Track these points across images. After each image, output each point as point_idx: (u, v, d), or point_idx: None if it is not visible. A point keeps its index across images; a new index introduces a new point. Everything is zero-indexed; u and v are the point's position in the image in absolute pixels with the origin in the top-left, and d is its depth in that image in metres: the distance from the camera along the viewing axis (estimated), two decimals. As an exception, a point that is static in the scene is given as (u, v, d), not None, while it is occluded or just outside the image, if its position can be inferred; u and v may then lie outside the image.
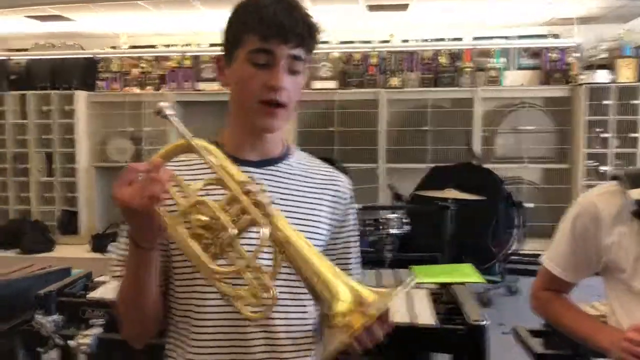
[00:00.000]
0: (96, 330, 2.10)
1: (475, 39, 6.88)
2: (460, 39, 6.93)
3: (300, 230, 1.16)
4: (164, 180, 0.98)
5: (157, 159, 1.01)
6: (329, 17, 6.52)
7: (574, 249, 1.48)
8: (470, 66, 6.74)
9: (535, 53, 6.93)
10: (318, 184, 1.26)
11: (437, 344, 1.82)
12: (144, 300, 1.12)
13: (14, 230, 6.98)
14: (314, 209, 1.23)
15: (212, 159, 1.02)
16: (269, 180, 1.19)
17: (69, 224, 7.11)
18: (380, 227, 4.51)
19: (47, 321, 2.13)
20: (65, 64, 7.30)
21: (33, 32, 7.22)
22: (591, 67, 6.34)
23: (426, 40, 6.99)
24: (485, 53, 6.86)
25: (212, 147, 1.04)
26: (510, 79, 6.84)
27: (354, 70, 7.01)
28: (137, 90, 7.34)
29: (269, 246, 0.99)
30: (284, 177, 1.22)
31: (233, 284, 1.01)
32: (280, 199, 1.18)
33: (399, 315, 1.90)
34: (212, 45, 6.91)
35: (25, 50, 7.49)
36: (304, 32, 1.13)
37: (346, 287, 0.96)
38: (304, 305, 1.18)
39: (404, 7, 6.13)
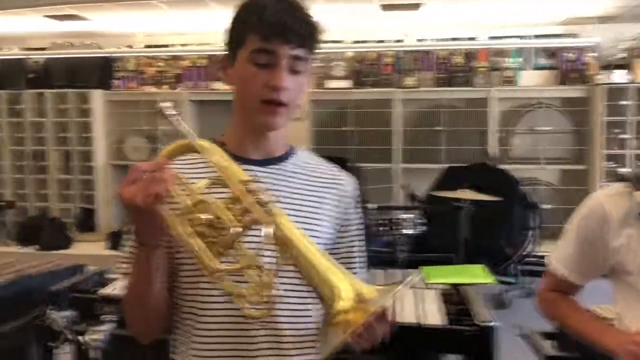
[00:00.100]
0: (107, 327, 2.12)
1: (491, 38, 6.83)
2: (475, 39, 6.88)
3: (303, 229, 1.17)
4: (167, 179, 0.98)
5: (161, 159, 1.03)
6: (343, 16, 6.52)
7: (581, 251, 1.46)
8: (485, 66, 6.70)
9: (552, 53, 6.86)
10: (321, 183, 1.26)
11: (445, 345, 1.81)
12: (149, 298, 1.13)
13: (33, 227, 7.08)
14: (317, 208, 1.22)
15: (214, 158, 1.04)
16: (272, 178, 1.20)
17: (86, 222, 7.19)
18: (394, 227, 4.50)
19: (59, 317, 2.16)
20: (82, 63, 7.37)
21: (51, 32, 7.30)
22: (609, 67, 6.27)
23: (441, 40, 6.95)
24: (501, 53, 6.81)
25: (214, 147, 1.06)
26: (526, 79, 6.78)
27: (370, 69, 6.99)
28: (153, 89, 7.40)
29: (272, 245, 1.00)
30: (287, 176, 1.22)
31: (235, 282, 1.02)
32: (283, 197, 1.18)
33: (408, 315, 1.90)
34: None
35: (44, 49, 7.57)
36: (306, 32, 1.13)
37: (347, 285, 0.96)
38: (308, 303, 1.18)
39: (418, 6, 6.10)
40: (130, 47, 7.48)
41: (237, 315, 1.10)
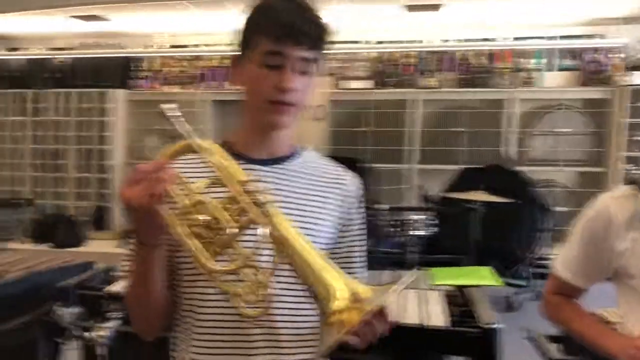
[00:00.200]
0: (113, 323, 2.13)
1: (514, 39, 6.76)
2: (499, 39, 6.82)
3: (306, 228, 1.17)
4: (167, 180, 1.00)
5: (161, 159, 1.04)
6: (365, 16, 6.51)
7: (585, 254, 1.44)
8: (507, 67, 6.63)
9: (576, 54, 6.76)
10: (325, 182, 1.26)
11: (449, 346, 1.79)
12: (149, 296, 1.14)
13: (49, 224, 7.17)
14: (320, 208, 1.23)
15: (214, 158, 1.04)
16: (277, 178, 1.21)
17: (101, 220, 7.27)
18: (405, 228, 4.47)
19: (65, 313, 2.18)
20: (105, 63, 7.47)
21: (76, 32, 7.40)
22: (634, 68, 6.16)
23: (464, 41, 6.90)
24: (523, 54, 6.74)
25: (214, 147, 1.07)
26: (549, 80, 6.70)
27: (392, 70, 6.96)
28: (174, 89, 7.45)
29: (268, 245, 1.00)
30: (292, 176, 1.23)
31: (232, 282, 1.02)
32: (287, 197, 1.19)
33: (412, 316, 1.88)
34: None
35: (68, 49, 7.67)
36: (315, 34, 1.13)
37: (343, 285, 0.96)
38: (304, 302, 1.18)
39: (440, 6, 6.07)
40: (153, 47, 7.54)
41: (234, 314, 1.11)
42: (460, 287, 2.12)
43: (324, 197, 1.24)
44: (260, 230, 0.98)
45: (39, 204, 7.54)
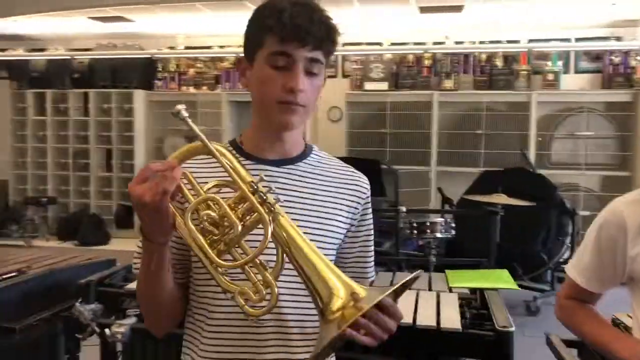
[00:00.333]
0: (130, 321, 2.16)
1: (532, 41, 6.70)
2: (517, 41, 6.76)
3: (316, 228, 1.19)
4: (175, 179, 1.01)
5: (172, 160, 1.05)
6: (381, 18, 6.50)
7: (599, 259, 1.43)
8: (526, 69, 6.58)
9: (597, 56, 6.69)
10: (336, 183, 1.27)
11: (463, 349, 1.79)
12: (158, 293, 1.16)
13: (73, 223, 7.30)
14: (332, 208, 1.23)
15: (223, 160, 1.05)
16: (287, 179, 1.21)
17: (124, 218, 7.36)
18: (425, 230, 4.46)
19: (85, 309, 2.21)
20: (125, 63, 7.57)
21: (95, 33, 7.52)
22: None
23: (482, 42, 6.86)
24: (543, 56, 6.68)
25: (224, 150, 1.08)
26: (568, 83, 6.63)
27: (407, 71, 6.96)
28: (192, 89, 7.53)
29: (272, 244, 1.02)
30: (302, 176, 1.23)
31: (237, 281, 1.04)
32: (297, 197, 1.20)
33: (428, 318, 1.88)
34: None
35: (89, 50, 7.79)
36: (323, 35, 1.13)
37: (342, 284, 0.98)
38: None
39: (458, 8, 6.04)
40: (172, 48, 7.63)
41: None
42: (477, 290, 2.11)
43: (334, 196, 1.24)
44: (265, 230, 0.99)
45: (62, 203, 7.67)
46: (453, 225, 4.61)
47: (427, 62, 6.96)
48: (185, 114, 1.05)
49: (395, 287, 0.97)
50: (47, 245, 6.87)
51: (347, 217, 1.25)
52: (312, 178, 1.24)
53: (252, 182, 1.02)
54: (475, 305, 2.01)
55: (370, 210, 1.32)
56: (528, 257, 4.96)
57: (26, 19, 6.75)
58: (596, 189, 6.41)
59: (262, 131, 1.22)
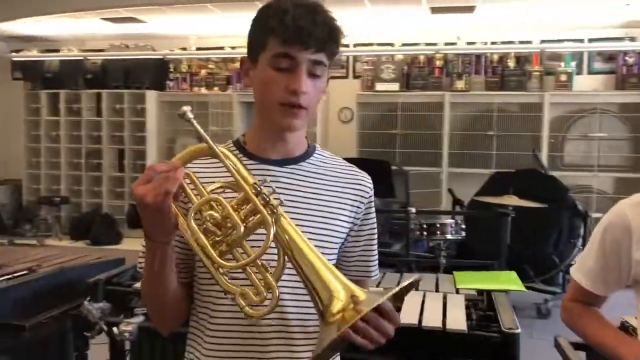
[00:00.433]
0: (138, 319, 2.17)
1: (545, 41, 6.66)
2: (529, 42, 6.72)
3: (320, 228, 1.20)
4: (179, 180, 1.01)
5: (176, 161, 1.06)
6: (392, 19, 6.49)
7: (604, 262, 1.42)
8: (539, 70, 6.54)
9: (610, 57, 6.63)
10: (339, 182, 1.27)
11: (467, 350, 1.78)
12: (161, 292, 1.16)
13: (86, 222, 7.35)
14: (335, 207, 1.24)
15: (227, 161, 1.06)
16: (290, 178, 1.22)
17: (136, 219, 7.34)
18: (435, 232, 4.45)
19: (94, 308, 2.23)
20: (137, 64, 7.62)
21: (108, 34, 7.57)
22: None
23: (494, 43, 6.83)
24: (556, 56, 6.63)
25: (228, 152, 1.08)
26: (582, 84, 6.58)
27: (419, 72, 6.95)
28: (204, 90, 7.56)
29: (274, 246, 1.02)
30: (305, 176, 1.24)
31: (238, 282, 1.04)
32: (301, 197, 1.20)
33: (434, 319, 1.88)
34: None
35: (101, 50, 7.85)
36: (325, 37, 1.13)
37: (342, 287, 0.98)
38: None
39: (470, 9, 6.02)
40: (184, 49, 7.66)
41: None
42: (484, 292, 2.10)
43: (337, 196, 1.24)
44: (267, 232, 0.99)
45: (75, 202, 7.73)
46: (463, 226, 4.60)
47: (438, 63, 6.93)
48: (190, 115, 1.06)
49: (394, 291, 0.97)
50: (60, 245, 6.93)
51: (350, 217, 1.25)
52: (315, 178, 1.24)
53: (256, 183, 1.02)
54: (481, 306, 2.01)
55: (373, 210, 1.32)
56: (539, 259, 4.93)
57: (39, 20, 6.81)
58: (609, 191, 6.36)
59: (264, 132, 1.23)
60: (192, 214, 1.04)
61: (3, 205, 7.93)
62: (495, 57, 6.79)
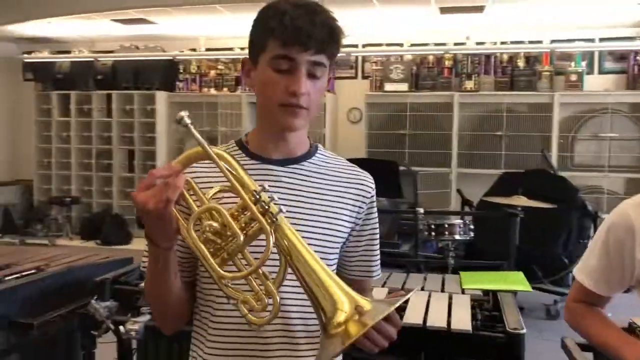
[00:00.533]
0: (145, 318, 2.18)
1: (555, 41, 6.62)
2: (539, 42, 6.68)
3: (322, 227, 1.20)
4: (179, 186, 1.02)
5: (176, 165, 1.05)
6: (401, 19, 6.48)
7: (607, 262, 1.41)
8: (549, 70, 6.50)
9: (621, 56, 6.59)
10: (341, 182, 1.27)
11: (472, 351, 1.77)
12: (164, 293, 1.17)
13: (96, 222, 7.40)
14: (337, 207, 1.24)
15: (226, 166, 1.06)
16: (292, 178, 1.22)
17: (146, 219, 7.42)
18: (443, 232, 4.44)
19: (100, 307, 2.24)
20: (147, 65, 7.66)
21: (118, 35, 7.62)
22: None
23: (503, 43, 6.80)
24: (566, 56, 6.59)
25: (227, 155, 1.07)
26: (592, 84, 6.54)
27: (428, 72, 6.93)
28: (213, 91, 7.59)
29: (275, 254, 1.03)
30: (307, 176, 1.24)
31: (239, 289, 1.05)
32: (303, 196, 1.20)
33: (439, 320, 1.87)
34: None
35: (111, 52, 7.90)
36: (325, 38, 1.13)
37: (346, 297, 0.98)
38: None
39: (479, 8, 5.99)
40: (194, 50, 7.69)
41: None
42: (490, 292, 2.09)
43: (339, 196, 1.24)
44: (267, 240, 0.99)
45: (85, 203, 7.78)
46: (472, 227, 4.58)
47: (447, 63, 6.92)
48: (188, 120, 1.05)
49: (399, 302, 0.97)
50: (71, 245, 6.98)
51: (351, 217, 1.25)
52: (316, 178, 1.24)
53: (255, 190, 1.02)
54: (487, 307, 1.99)
55: (375, 210, 1.31)
56: (548, 260, 4.90)
57: (50, 22, 6.86)
58: (620, 192, 6.31)
59: (266, 132, 1.23)
60: (192, 224, 1.04)
61: (14, 205, 8.00)
62: (505, 57, 6.77)
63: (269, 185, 1.06)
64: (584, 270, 1.48)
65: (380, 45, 7.15)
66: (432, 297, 2.09)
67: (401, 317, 1.83)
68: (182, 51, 7.72)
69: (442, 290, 2.24)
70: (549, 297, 4.77)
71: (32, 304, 2.36)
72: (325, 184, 1.24)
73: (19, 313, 2.29)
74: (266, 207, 1.01)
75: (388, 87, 6.90)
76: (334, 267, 1.26)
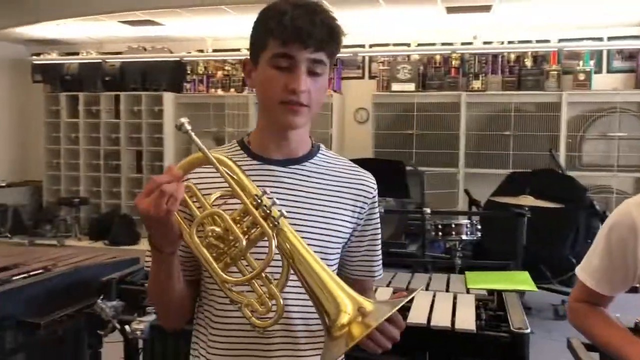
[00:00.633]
0: (150, 318, 2.19)
1: (563, 40, 6.59)
2: (547, 41, 6.65)
3: (323, 228, 1.20)
4: (179, 197, 1.02)
5: (177, 171, 1.06)
6: (408, 19, 6.47)
7: (609, 261, 1.40)
8: (557, 69, 6.47)
9: (630, 55, 6.55)
10: (343, 182, 1.27)
11: (476, 350, 1.77)
12: (166, 297, 1.19)
13: (105, 223, 7.44)
14: (338, 208, 1.24)
15: (227, 171, 1.06)
16: (293, 179, 1.22)
17: (154, 220, 7.44)
18: (450, 232, 4.43)
19: (107, 306, 2.25)
20: (154, 66, 7.69)
21: (125, 36, 7.65)
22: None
23: (511, 42, 6.77)
24: (574, 55, 6.56)
25: (228, 161, 1.08)
26: (601, 83, 6.50)
27: (435, 72, 6.92)
28: (220, 92, 7.61)
29: (278, 258, 1.04)
30: (308, 176, 1.24)
31: (243, 293, 1.06)
32: (304, 197, 1.21)
33: (443, 319, 1.87)
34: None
35: (119, 53, 7.94)
36: (324, 36, 1.14)
37: (349, 299, 0.99)
38: None
39: (486, 8, 5.98)
40: (201, 51, 7.72)
41: None
42: (495, 292, 2.08)
43: (340, 196, 1.25)
44: (270, 244, 1.00)
45: (94, 203, 7.82)
46: (479, 227, 4.57)
47: (454, 63, 6.90)
48: (188, 127, 1.06)
49: (401, 304, 0.98)
50: (79, 245, 7.01)
51: (353, 217, 1.26)
52: (317, 178, 1.24)
53: (256, 195, 1.03)
54: (491, 306, 1.99)
55: (377, 210, 1.32)
56: (556, 260, 4.88)
57: (59, 24, 6.90)
58: (629, 191, 6.27)
59: (267, 131, 1.23)
60: (195, 229, 1.05)
61: (24, 206, 8.05)
62: (512, 56, 6.74)
63: (270, 186, 1.07)
64: (587, 270, 1.47)
65: (387, 45, 7.14)
66: (436, 296, 2.09)
67: (405, 317, 1.83)
68: (190, 52, 7.74)
69: (447, 290, 2.23)
70: (556, 297, 4.74)
71: (39, 303, 2.38)
72: (326, 185, 1.25)
73: (26, 313, 2.31)
74: (268, 211, 1.02)
75: (395, 87, 6.89)
76: (335, 267, 1.26)
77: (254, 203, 1.02)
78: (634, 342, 1.36)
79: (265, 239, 1.01)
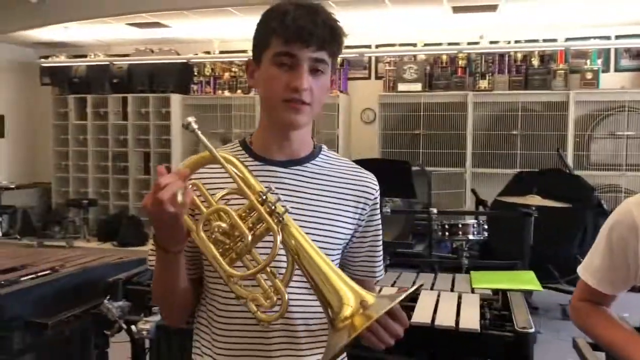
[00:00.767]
0: (156, 318, 2.21)
1: (570, 39, 6.56)
2: (554, 40, 6.63)
3: (324, 229, 1.21)
4: (186, 190, 1.04)
5: (184, 170, 1.08)
6: (414, 19, 6.47)
7: (610, 260, 1.40)
8: (564, 68, 6.45)
9: (638, 54, 6.52)
10: (344, 183, 1.28)
11: (481, 350, 1.77)
12: (171, 295, 1.20)
13: (113, 224, 7.47)
14: (339, 208, 1.25)
15: (233, 170, 1.08)
16: (295, 180, 1.23)
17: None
18: (457, 232, 4.43)
19: (113, 306, 2.27)
20: (162, 68, 7.72)
21: (133, 39, 7.69)
22: None
23: (517, 42, 6.75)
24: (582, 54, 6.53)
25: (234, 159, 1.10)
26: (608, 82, 6.47)
27: (441, 72, 6.91)
28: (227, 93, 7.63)
29: (282, 253, 1.06)
30: (309, 177, 1.25)
31: (248, 288, 1.08)
32: (305, 198, 1.22)
33: (447, 319, 1.87)
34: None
35: (126, 55, 7.97)
36: (326, 36, 1.15)
37: (351, 292, 1.01)
38: None
39: (493, 7, 5.96)
40: (208, 53, 7.74)
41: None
42: (500, 291, 2.08)
43: (341, 197, 1.25)
44: (274, 239, 1.02)
45: (102, 205, 7.87)
46: (486, 227, 4.56)
47: (461, 63, 6.89)
48: (195, 125, 1.08)
49: (401, 297, 0.99)
50: (88, 246, 7.04)
51: (354, 218, 1.26)
52: (319, 179, 1.25)
53: (261, 192, 1.05)
54: (496, 306, 1.99)
55: (378, 211, 1.32)
56: (564, 259, 4.86)
57: (67, 26, 6.95)
58: (638, 190, 6.21)
59: (270, 131, 1.24)
60: (201, 225, 1.06)
61: (32, 208, 8.11)
62: (519, 55, 6.72)
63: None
64: (588, 269, 1.47)
65: (393, 45, 7.13)
66: (441, 296, 2.09)
67: (409, 317, 1.83)
68: (197, 54, 7.76)
69: (452, 290, 2.23)
70: (564, 297, 4.72)
71: (46, 304, 2.40)
72: (328, 186, 1.25)
73: (34, 313, 2.33)
74: (273, 207, 1.03)
75: (401, 87, 6.89)
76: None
77: (259, 199, 1.04)
78: (637, 342, 1.35)
79: (270, 234, 1.03)
